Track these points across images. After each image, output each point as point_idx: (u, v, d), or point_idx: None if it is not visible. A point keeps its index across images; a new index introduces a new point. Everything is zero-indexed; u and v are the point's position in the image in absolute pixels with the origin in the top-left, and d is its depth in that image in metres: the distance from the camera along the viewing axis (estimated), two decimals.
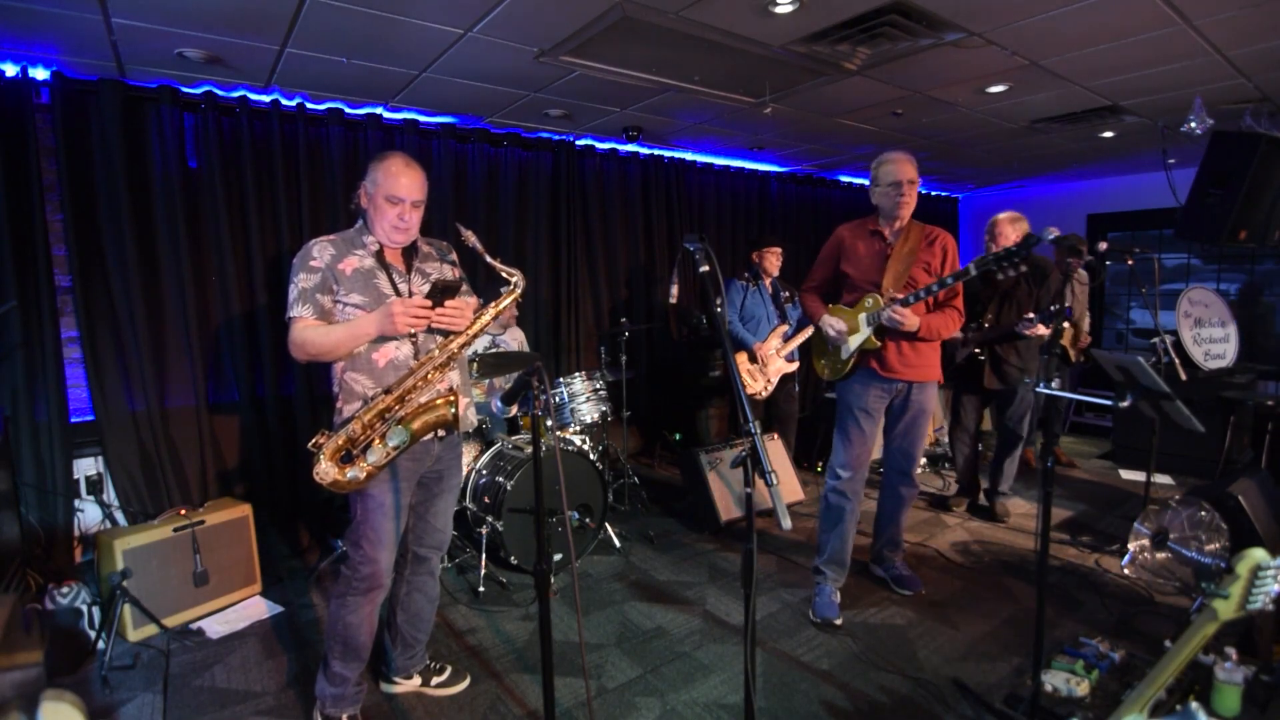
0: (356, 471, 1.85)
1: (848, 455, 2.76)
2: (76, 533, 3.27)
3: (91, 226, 3.24)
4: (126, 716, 2.24)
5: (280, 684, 2.40)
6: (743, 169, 5.82)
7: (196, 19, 2.58)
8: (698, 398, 5.06)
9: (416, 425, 1.89)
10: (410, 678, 2.32)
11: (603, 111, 4.03)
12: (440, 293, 1.89)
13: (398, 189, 1.92)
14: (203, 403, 3.56)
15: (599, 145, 4.92)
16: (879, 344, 2.68)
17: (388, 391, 1.89)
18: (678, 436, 5.27)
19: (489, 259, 2.02)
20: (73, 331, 3.26)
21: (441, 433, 2.02)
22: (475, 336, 2.00)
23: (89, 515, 3.34)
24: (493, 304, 2.03)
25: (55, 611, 2.65)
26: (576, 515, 3.25)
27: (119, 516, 3.38)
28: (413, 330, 1.93)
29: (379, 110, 3.90)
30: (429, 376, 1.93)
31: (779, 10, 2.56)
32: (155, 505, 3.39)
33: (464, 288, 2.08)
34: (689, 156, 5.43)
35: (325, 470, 1.83)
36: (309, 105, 3.70)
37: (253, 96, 3.54)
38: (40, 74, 3.08)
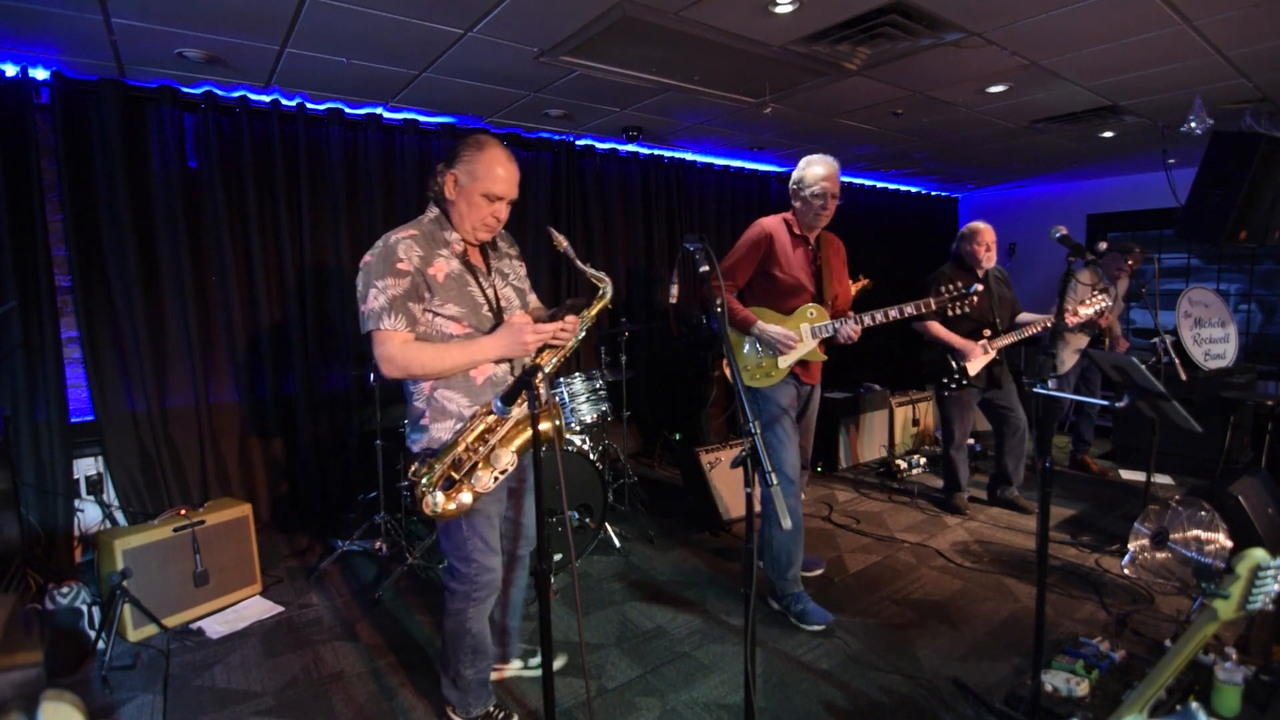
0: (465, 496, 1.78)
1: (793, 457, 2.75)
2: (76, 533, 3.27)
3: (91, 226, 3.25)
4: (126, 716, 2.24)
5: (280, 684, 2.40)
6: (743, 169, 5.82)
7: (196, 19, 2.58)
8: (698, 398, 5.06)
9: (519, 443, 1.80)
10: (508, 661, 2.36)
11: (603, 111, 4.03)
12: (565, 312, 1.83)
13: (498, 186, 1.77)
14: (203, 403, 3.56)
15: (599, 145, 4.92)
16: (824, 356, 2.78)
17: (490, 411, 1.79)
18: (678, 436, 5.27)
19: (580, 265, 1.92)
20: (73, 331, 3.27)
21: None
22: (572, 349, 1.93)
23: (89, 515, 3.35)
24: (586, 312, 1.94)
25: (55, 611, 2.64)
26: (576, 515, 3.25)
27: (119, 516, 3.38)
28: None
29: (379, 110, 3.90)
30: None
31: (779, 10, 2.56)
32: (155, 505, 3.39)
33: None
34: (689, 156, 5.43)
35: (436, 501, 1.74)
36: (309, 105, 3.70)
37: (253, 96, 3.54)
38: (40, 74, 3.08)
